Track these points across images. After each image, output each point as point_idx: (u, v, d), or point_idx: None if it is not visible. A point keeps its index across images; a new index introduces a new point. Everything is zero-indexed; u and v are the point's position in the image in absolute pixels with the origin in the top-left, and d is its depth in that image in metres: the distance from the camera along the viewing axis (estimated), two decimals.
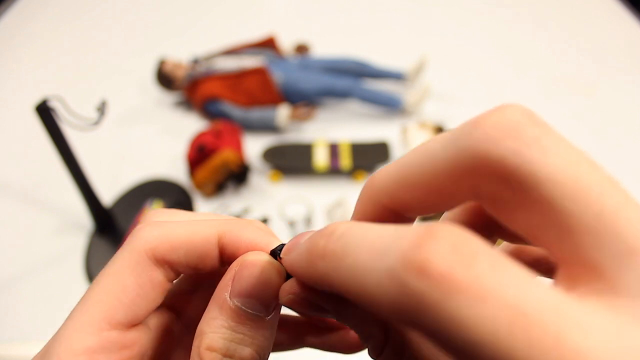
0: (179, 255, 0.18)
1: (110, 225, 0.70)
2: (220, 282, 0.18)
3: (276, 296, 0.17)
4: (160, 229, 0.18)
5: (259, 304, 0.17)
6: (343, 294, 0.13)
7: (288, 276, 0.18)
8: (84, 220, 0.72)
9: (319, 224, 0.74)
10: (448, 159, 0.13)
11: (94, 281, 0.18)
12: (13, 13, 1.24)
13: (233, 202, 0.77)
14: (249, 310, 0.17)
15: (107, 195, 0.74)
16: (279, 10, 1.30)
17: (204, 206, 0.76)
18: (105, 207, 0.69)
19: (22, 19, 1.23)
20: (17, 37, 1.17)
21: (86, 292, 0.18)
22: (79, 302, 0.17)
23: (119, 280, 0.17)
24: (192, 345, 0.22)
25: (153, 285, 0.18)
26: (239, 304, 0.17)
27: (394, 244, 0.11)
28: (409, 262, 0.11)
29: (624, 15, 1.22)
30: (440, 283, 0.10)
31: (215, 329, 0.17)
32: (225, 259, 0.19)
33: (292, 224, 0.72)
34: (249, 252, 0.18)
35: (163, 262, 0.18)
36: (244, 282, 0.17)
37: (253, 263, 0.18)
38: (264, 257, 0.18)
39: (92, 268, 0.66)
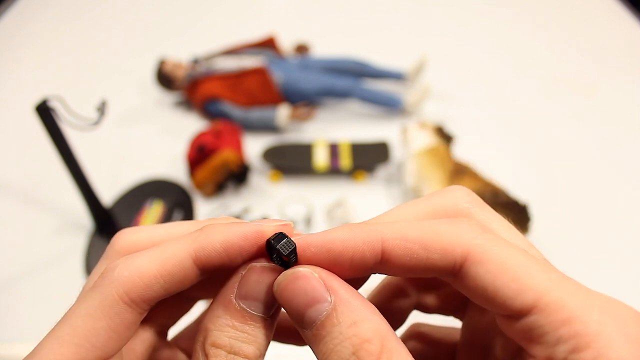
0: (154, 290, 0.18)
1: (110, 225, 0.70)
2: (227, 284, 0.19)
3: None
4: (131, 268, 0.18)
5: (262, 306, 0.18)
6: None
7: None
8: (84, 220, 0.72)
9: (319, 224, 0.74)
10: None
11: (64, 318, 0.18)
12: (13, 13, 1.24)
13: (233, 202, 0.77)
14: (253, 312, 0.18)
15: (107, 195, 0.74)
16: (279, 10, 1.30)
17: (204, 206, 0.76)
18: (105, 207, 0.69)
19: (22, 19, 1.23)
20: (17, 37, 1.17)
21: (57, 328, 0.17)
22: (48, 339, 0.17)
23: (91, 322, 0.17)
24: (174, 345, 0.22)
25: (126, 326, 0.18)
26: (244, 306, 0.18)
27: None
28: None
29: (624, 15, 1.22)
30: None
31: (220, 327, 0.18)
32: (208, 269, 0.19)
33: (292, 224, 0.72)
34: (255, 260, 0.19)
35: (139, 302, 0.18)
36: (249, 287, 0.18)
37: (260, 270, 0.19)
38: (269, 265, 0.19)
39: (92, 268, 0.66)
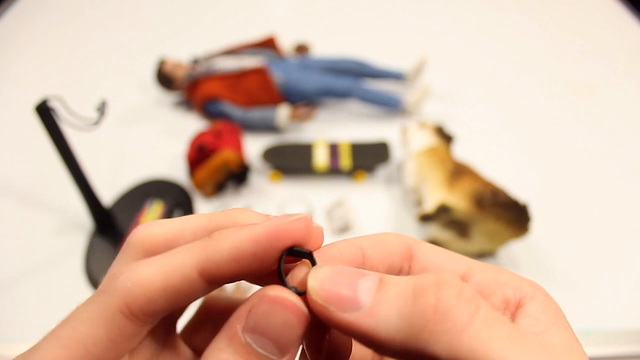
0: (158, 304, 0.17)
1: (110, 225, 0.70)
2: (236, 311, 0.16)
3: (294, 341, 0.16)
4: (134, 279, 0.17)
5: (273, 346, 0.16)
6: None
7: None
8: (84, 220, 0.72)
9: (319, 224, 0.74)
10: None
11: (67, 319, 0.17)
12: (13, 13, 1.24)
13: (233, 202, 0.77)
14: (260, 351, 0.16)
15: (107, 195, 0.74)
16: (279, 10, 1.30)
17: (204, 206, 0.76)
18: (105, 207, 0.69)
19: (22, 19, 1.23)
20: (17, 37, 1.17)
21: (58, 328, 0.17)
22: (48, 337, 0.17)
23: (89, 328, 0.16)
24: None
25: (126, 338, 0.17)
26: (250, 341, 0.16)
27: None
28: None
29: (624, 15, 1.22)
30: None
31: None
32: (220, 280, 0.17)
33: None
34: (270, 286, 0.17)
35: (140, 315, 0.17)
36: (259, 319, 0.16)
37: (273, 299, 0.16)
38: (287, 295, 0.16)
39: (92, 268, 0.66)
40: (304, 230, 0.17)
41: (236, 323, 0.16)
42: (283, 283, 0.17)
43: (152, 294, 0.16)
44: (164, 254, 0.17)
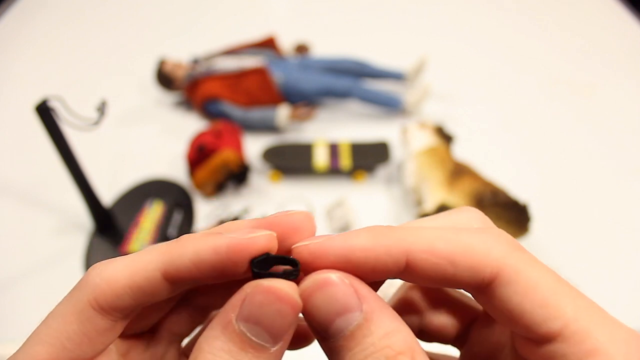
0: (124, 300, 0.17)
1: (110, 225, 0.70)
2: (230, 300, 0.17)
3: (287, 329, 0.16)
4: (103, 275, 0.17)
5: (267, 334, 0.16)
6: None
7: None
8: (84, 220, 0.72)
9: (318, 224, 0.74)
10: None
11: (45, 318, 0.18)
12: (13, 13, 1.24)
13: (233, 202, 0.77)
14: (254, 339, 0.16)
15: (107, 195, 0.74)
16: (279, 10, 1.30)
17: (204, 206, 0.76)
18: (105, 207, 0.69)
19: (22, 19, 1.23)
20: (17, 37, 1.17)
21: (38, 328, 0.17)
22: (30, 337, 0.17)
23: (63, 324, 0.17)
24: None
25: (99, 332, 0.17)
26: (244, 330, 0.16)
27: None
28: None
29: (624, 15, 1.22)
30: None
31: (214, 350, 0.16)
32: (181, 284, 0.18)
33: None
34: (265, 279, 0.17)
35: (108, 310, 0.17)
36: (254, 309, 0.16)
37: (267, 290, 0.16)
38: (281, 286, 0.16)
39: None
40: (267, 245, 0.17)
41: (230, 312, 0.16)
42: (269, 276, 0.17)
43: (118, 291, 0.17)
44: (134, 254, 0.18)
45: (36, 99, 0.54)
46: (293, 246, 0.18)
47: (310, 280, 0.16)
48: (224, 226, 0.19)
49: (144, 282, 0.17)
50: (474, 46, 1.13)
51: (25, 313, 0.62)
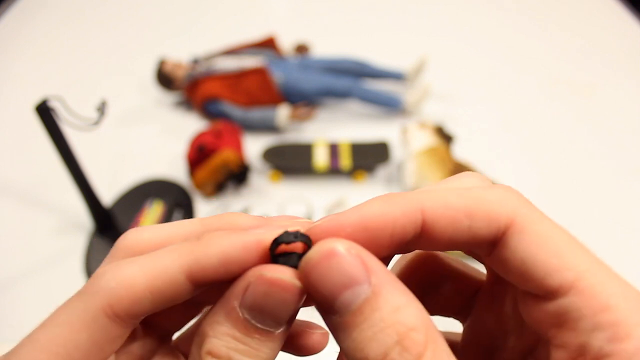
0: (142, 306, 0.16)
1: (110, 225, 0.70)
2: (231, 287, 0.16)
3: (291, 314, 0.16)
4: (119, 279, 0.16)
5: (271, 320, 0.16)
6: None
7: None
8: (84, 220, 0.72)
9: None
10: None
11: (45, 323, 0.16)
12: (13, 13, 1.24)
13: (233, 202, 0.77)
14: (258, 325, 0.16)
15: (107, 195, 0.74)
16: (279, 10, 1.30)
17: (204, 206, 0.76)
18: (105, 207, 0.69)
19: (22, 19, 1.23)
20: (17, 37, 1.17)
21: (36, 332, 0.16)
22: (26, 342, 0.16)
23: (70, 332, 0.16)
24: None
25: (109, 339, 0.16)
26: (248, 317, 0.16)
27: None
28: None
29: (624, 15, 1.22)
30: None
31: (219, 334, 0.16)
32: (203, 284, 0.17)
33: None
34: (266, 266, 0.16)
35: (124, 317, 0.16)
36: (258, 298, 0.16)
37: (271, 281, 0.16)
38: (284, 276, 0.16)
39: (92, 268, 0.66)
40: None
41: (232, 299, 0.16)
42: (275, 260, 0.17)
43: (136, 295, 0.16)
44: (150, 254, 0.17)
45: (36, 99, 0.54)
46: (307, 228, 0.17)
47: (314, 250, 0.15)
48: (224, 217, 0.19)
49: (166, 285, 0.16)
50: (474, 46, 1.13)
51: (25, 313, 0.62)
